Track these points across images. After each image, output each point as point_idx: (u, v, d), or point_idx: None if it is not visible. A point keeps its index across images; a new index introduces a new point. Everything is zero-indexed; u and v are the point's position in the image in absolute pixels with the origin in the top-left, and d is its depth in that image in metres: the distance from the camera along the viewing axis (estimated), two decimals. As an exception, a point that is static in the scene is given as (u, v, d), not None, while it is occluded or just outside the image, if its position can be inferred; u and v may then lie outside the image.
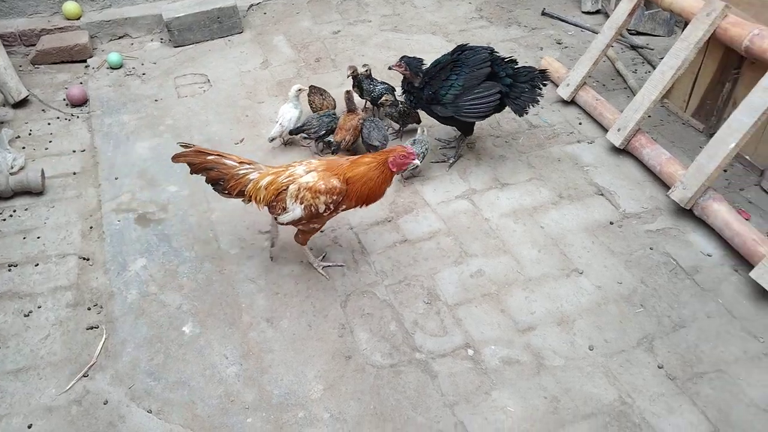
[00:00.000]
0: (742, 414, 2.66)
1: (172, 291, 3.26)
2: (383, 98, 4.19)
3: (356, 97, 4.22)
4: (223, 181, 3.10)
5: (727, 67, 4.00)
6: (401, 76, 3.93)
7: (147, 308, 3.17)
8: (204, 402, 2.75)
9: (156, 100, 4.70)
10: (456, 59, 3.74)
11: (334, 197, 2.96)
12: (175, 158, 3.18)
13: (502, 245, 3.48)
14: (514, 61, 3.83)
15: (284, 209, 3.03)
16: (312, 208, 2.97)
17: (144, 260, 3.43)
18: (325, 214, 3.02)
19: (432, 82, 3.76)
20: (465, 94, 3.68)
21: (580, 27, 5.62)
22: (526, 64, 3.89)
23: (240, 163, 3.12)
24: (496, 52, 3.82)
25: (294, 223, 3.10)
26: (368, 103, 4.44)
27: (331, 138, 4.07)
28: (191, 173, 3.17)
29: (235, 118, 4.50)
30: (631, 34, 5.46)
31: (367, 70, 4.31)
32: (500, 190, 3.86)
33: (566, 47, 5.30)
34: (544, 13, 5.80)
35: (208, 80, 4.91)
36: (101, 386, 2.81)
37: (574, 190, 3.83)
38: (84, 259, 3.47)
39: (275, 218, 3.18)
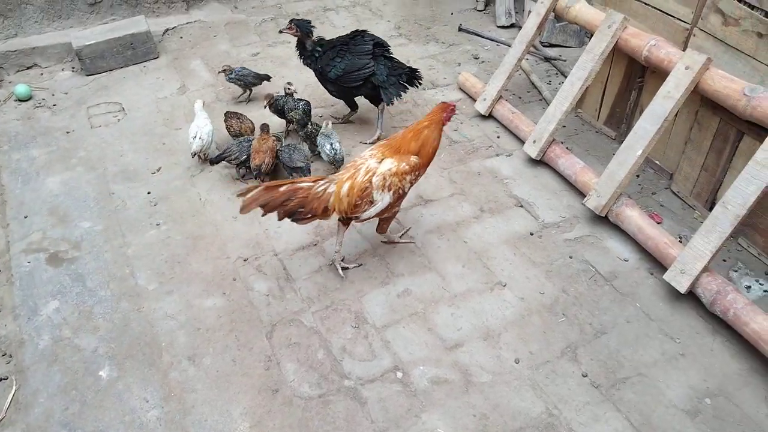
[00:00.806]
0: (662, 416, 2.75)
1: (87, 334, 3.11)
2: (291, 113, 4.22)
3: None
4: (303, 207, 3.05)
5: (632, 76, 4.17)
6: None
7: (60, 354, 3.01)
8: (123, 450, 2.62)
9: (68, 132, 4.51)
10: (346, 43, 4.25)
11: (417, 172, 3.22)
12: (244, 209, 2.97)
13: (427, 262, 3.49)
14: (391, 57, 4.33)
15: (371, 203, 3.14)
16: (400, 190, 3.19)
17: (56, 303, 3.26)
18: (408, 191, 3.24)
19: (323, 57, 4.26)
20: (343, 76, 4.22)
21: (496, 41, 5.76)
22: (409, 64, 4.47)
23: (314, 182, 3.10)
24: (386, 45, 4.34)
25: (379, 213, 3.21)
26: (291, 125, 4.40)
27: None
28: (263, 215, 3.05)
29: (152, 146, 4.36)
30: (544, 46, 5.63)
31: (289, 89, 4.28)
32: (424, 207, 3.88)
33: (483, 62, 5.41)
34: (460, 29, 5.92)
35: (123, 108, 4.75)
36: (10, 443, 2.65)
37: (495, 203, 3.90)
38: (-9, 305, 3.27)
39: (356, 218, 3.22)
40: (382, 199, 3.15)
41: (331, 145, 3.99)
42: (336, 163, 4.03)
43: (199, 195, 3.94)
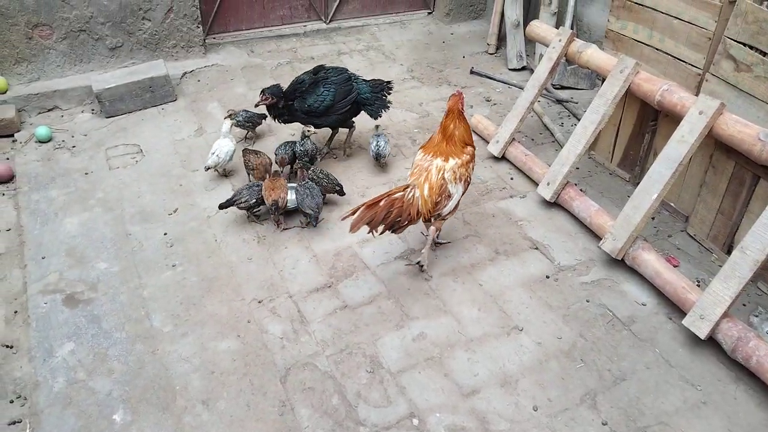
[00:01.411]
0: (685, 465, 2.68)
1: (102, 376, 3.09)
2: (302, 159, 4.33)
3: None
4: (401, 216, 3.28)
5: (645, 119, 4.20)
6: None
7: (75, 397, 3.00)
8: (136, 498, 2.58)
9: (86, 174, 4.57)
10: (324, 77, 4.41)
11: (473, 159, 3.61)
12: (353, 229, 3.21)
13: (442, 305, 3.47)
14: (361, 78, 4.60)
15: (449, 197, 3.44)
16: (467, 178, 3.56)
17: (72, 344, 3.26)
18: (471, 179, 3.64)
19: (304, 96, 4.36)
20: (333, 105, 4.38)
21: (508, 84, 5.83)
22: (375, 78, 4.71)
23: (404, 190, 3.34)
24: (350, 71, 4.55)
25: (456, 206, 3.56)
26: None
27: (258, 206, 4.04)
28: (369, 232, 3.26)
29: (169, 188, 4.42)
30: (555, 88, 5.70)
31: (308, 132, 4.40)
32: (438, 249, 3.88)
33: (495, 104, 5.48)
34: (472, 72, 6.01)
35: (141, 150, 4.83)
36: (22, 489, 2.62)
37: (510, 245, 3.89)
38: (7, 347, 3.27)
39: (439, 215, 3.49)
40: (457, 191, 3.50)
41: (377, 143, 4.46)
42: (379, 159, 4.50)
43: (214, 236, 3.97)
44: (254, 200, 3.94)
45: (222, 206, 3.97)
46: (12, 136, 5.00)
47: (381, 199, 3.23)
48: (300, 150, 4.32)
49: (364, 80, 4.60)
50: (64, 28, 5.26)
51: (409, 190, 3.36)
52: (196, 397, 2.98)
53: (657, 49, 3.99)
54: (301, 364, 3.15)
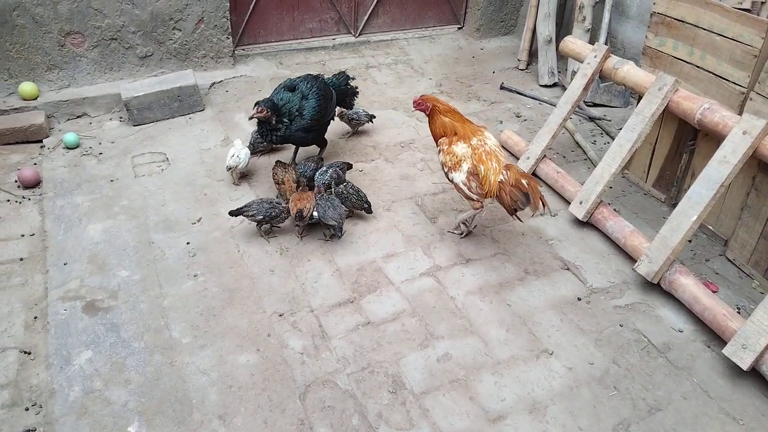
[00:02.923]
0: (726, 505, 2.52)
1: (118, 386, 3.03)
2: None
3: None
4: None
5: (683, 138, 4.06)
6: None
7: (90, 407, 2.93)
8: None
9: (112, 180, 4.56)
10: (304, 93, 4.28)
11: None
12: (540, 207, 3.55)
13: (468, 325, 3.35)
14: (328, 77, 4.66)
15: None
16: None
17: (90, 353, 3.21)
18: None
19: (302, 113, 4.23)
20: (320, 112, 4.30)
21: (538, 100, 5.73)
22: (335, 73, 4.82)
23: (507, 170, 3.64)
24: (321, 75, 4.54)
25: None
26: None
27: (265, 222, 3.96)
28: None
29: (194, 197, 4.38)
30: (588, 105, 5.58)
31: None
32: (465, 266, 3.77)
33: (525, 120, 5.37)
34: (502, 87, 5.91)
35: (167, 159, 4.81)
36: (33, 501, 2.55)
37: (540, 264, 3.76)
38: (25, 353, 3.23)
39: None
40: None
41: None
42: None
43: (237, 246, 3.90)
44: (261, 216, 3.85)
45: (232, 213, 3.92)
46: (41, 141, 5.02)
47: (526, 177, 3.59)
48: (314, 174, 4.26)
49: (329, 78, 4.67)
50: (96, 37, 5.30)
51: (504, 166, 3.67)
52: (212, 412, 2.89)
53: (698, 67, 3.86)
54: (321, 381, 3.05)
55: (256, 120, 4.20)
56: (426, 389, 3.00)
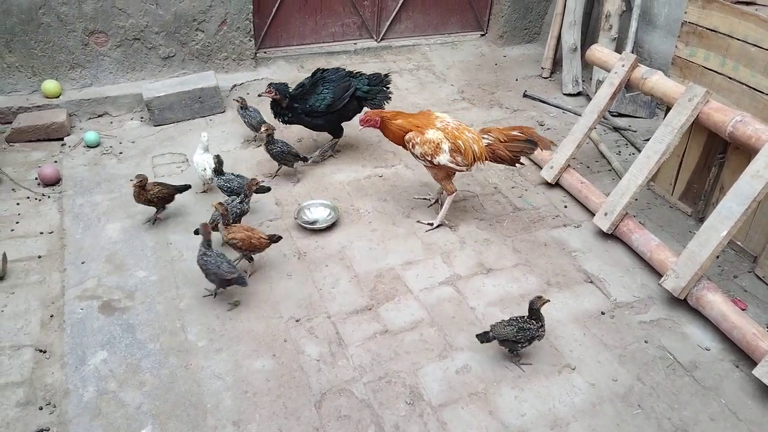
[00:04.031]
0: None
1: (133, 388, 2.99)
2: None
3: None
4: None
5: (712, 151, 3.96)
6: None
7: (104, 408, 2.90)
8: None
9: (131, 180, 4.54)
10: (322, 77, 4.57)
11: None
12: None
13: (489, 337, 3.28)
14: (363, 74, 4.74)
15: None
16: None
17: (105, 353, 3.18)
18: None
19: (305, 97, 4.50)
20: (333, 103, 4.49)
21: (562, 108, 5.65)
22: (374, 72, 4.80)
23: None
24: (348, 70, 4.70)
25: None
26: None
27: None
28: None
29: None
30: (613, 115, 5.49)
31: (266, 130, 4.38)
32: (486, 276, 3.70)
33: (548, 129, 5.29)
34: (525, 95, 5.84)
35: (187, 160, 4.80)
36: (44, 503, 2.51)
37: (563, 276, 3.68)
38: (41, 351, 3.21)
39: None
40: None
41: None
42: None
43: (255, 250, 3.87)
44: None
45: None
46: (62, 139, 5.04)
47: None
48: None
49: (363, 76, 4.72)
50: (119, 36, 5.31)
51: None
52: (227, 417, 2.85)
53: (730, 78, 3.77)
54: (337, 389, 3.00)
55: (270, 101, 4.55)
56: (444, 401, 2.93)
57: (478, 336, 3.09)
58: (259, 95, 4.52)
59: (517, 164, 4.00)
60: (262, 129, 4.40)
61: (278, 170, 4.60)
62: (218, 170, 4.13)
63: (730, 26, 3.74)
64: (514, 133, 3.92)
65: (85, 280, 3.64)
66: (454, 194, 4.05)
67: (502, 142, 3.89)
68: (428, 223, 4.12)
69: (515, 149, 3.88)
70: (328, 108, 4.50)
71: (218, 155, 4.17)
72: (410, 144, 3.92)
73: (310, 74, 4.71)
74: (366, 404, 2.92)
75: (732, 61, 3.77)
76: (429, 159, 3.89)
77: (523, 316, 3.06)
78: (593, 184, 4.30)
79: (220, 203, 3.59)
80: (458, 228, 4.11)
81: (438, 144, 3.84)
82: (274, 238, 3.62)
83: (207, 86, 5.33)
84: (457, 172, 4.03)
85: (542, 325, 3.04)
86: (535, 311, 3.02)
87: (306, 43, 6.39)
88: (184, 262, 3.75)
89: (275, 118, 4.63)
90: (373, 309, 3.47)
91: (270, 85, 4.48)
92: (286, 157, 4.44)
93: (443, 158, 3.86)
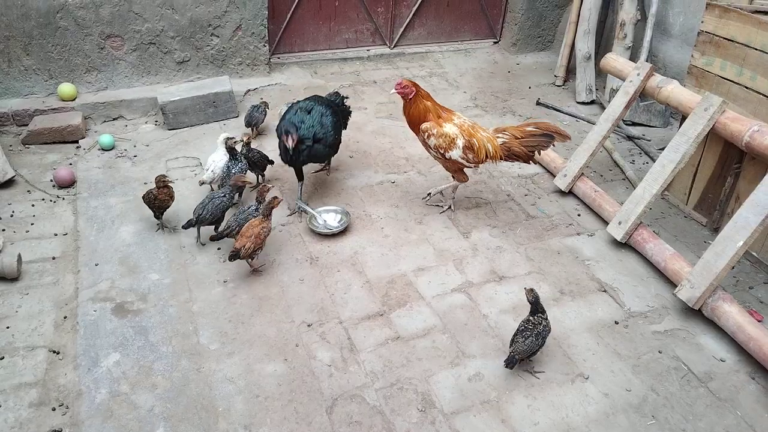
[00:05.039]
0: None
1: (145, 391, 3.00)
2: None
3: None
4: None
5: (728, 161, 3.94)
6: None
7: (116, 410, 2.91)
8: None
9: (145, 183, 4.57)
10: (319, 110, 4.16)
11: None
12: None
13: (501, 345, 3.26)
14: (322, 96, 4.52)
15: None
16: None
17: (118, 355, 3.19)
18: None
19: (315, 136, 4.07)
20: (338, 126, 4.27)
21: (575, 117, 5.63)
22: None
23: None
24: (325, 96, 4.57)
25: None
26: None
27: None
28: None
29: (225, 202, 4.37)
30: (627, 124, 5.46)
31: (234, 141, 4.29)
32: (498, 284, 3.69)
33: (571, 139, 5.26)
34: (538, 103, 5.83)
35: (200, 163, 4.82)
36: (56, 504, 2.52)
37: (576, 285, 3.66)
38: (54, 352, 3.22)
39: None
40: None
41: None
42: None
43: (267, 254, 3.87)
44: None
45: (213, 238, 3.79)
46: (77, 142, 5.08)
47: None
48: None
49: (326, 96, 4.64)
50: (135, 41, 5.36)
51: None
52: (238, 421, 2.85)
53: (747, 88, 3.74)
54: (348, 395, 2.99)
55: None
56: (456, 409, 2.92)
57: (506, 364, 3.03)
58: (289, 148, 3.94)
59: (531, 161, 4.06)
60: (243, 136, 4.45)
61: (259, 178, 4.55)
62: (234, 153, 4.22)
63: (747, 35, 3.72)
64: (530, 128, 4.00)
65: (98, 282, 3.66)
66: (464, 182, 4.22)
67: (517, 138, 3.98)
68: (438, 205, 4.35)
69: (531, 144, 3.97)
70: (335, 135, 4.20)
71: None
72: (425, 134, 3.99)
73: (286, 108, 4.38)
74: (377, 410, 2.91)
75: (749, 70, 3.75)
76: (442, 152, 3.98)
77: (528, 319, 3.05)
78: (607, 192, 4.28)
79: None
80: (471, 235, 4.10)
81: (453, 139, 3.93)
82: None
83: (221, 91, 5.36)
84: (464, 175, 4.18)
85: (546, 316, 3.06)
86: (537, 303, 3.03)
87: (320, 49, 6.43)
88: (196, 266, 3.76)
89: (289, 163, 4.16)
90: (385, 315, 3.46)
91: (287, 133, 3.92)
92: (263, 163, 4.46)
93: (455, 153, 3.95)
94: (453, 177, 4.21)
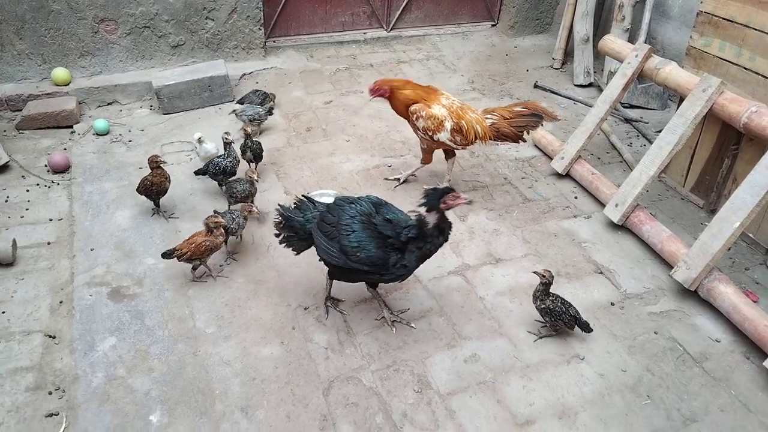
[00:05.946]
0: None
1: (141, 374, 3.00)
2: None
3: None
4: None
5: (726, 142, 3.92)
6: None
7: (113, 394, 2.91)
8: (167, 506, 2.46)
9: (140, 168, 4.55)
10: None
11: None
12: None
13: (498, 327, 3.27)
14: None
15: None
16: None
17: (114, 339, 3.19)
18: None
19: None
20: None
21: (573, 99, 5.61)
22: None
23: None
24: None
25: None
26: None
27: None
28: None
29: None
30: (624, 107, 5.44)
31: (227, 139, 4.15)
32: (495, 267, 3.68)
33: (559, 119, 5.24)
34: (536, 86, 5.80)
35: (195, 148, 4.79)
36: (53, 486, 2.53)
37: (573, 267, 3.66)
38: (50, 336, 3.22)
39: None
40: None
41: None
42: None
43: (264, 238, 3.86)
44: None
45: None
46: (71, 127, 5.05)
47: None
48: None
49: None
50: (129, 24, 5.31)
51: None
52: (235, 404, 2.85)
53: (745, 69, 3.72)
54: (345, 377, 2.99)
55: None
56: (452, 390, 2.92)
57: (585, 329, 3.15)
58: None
59: (520, 141, 4.07)
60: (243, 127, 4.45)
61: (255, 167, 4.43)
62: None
63: (747, 16, 3.69)
64: (518, 108, 4.03)
65: (94, 266, 3.65)
66: (425, 166, 4.31)
67: (506, 119, 3.99)
68: (395, 178, 4.41)
69: (519, 124, 3.99)
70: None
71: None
72: (414, 116, 3.98)
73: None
74: (374, 392, 2.91)
75: (748, 51, 3.72)
76: (430, 135, 3.98)
77: (554, 299, 3.14)
78: (604, 175, 4.27)
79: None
80: (467, 218, 4.09)
81: (442, 122, 3.92)
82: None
83: (216, 75, 5.32)
84: (455, 150, 4.19)
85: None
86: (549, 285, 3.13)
87: (316, 33, 6.37)
88: (192, 250, 3.75)
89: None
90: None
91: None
92: (260, 154, 4.41)
93: (443, 136, 3.96)
94: (422, 157, 4.26)
